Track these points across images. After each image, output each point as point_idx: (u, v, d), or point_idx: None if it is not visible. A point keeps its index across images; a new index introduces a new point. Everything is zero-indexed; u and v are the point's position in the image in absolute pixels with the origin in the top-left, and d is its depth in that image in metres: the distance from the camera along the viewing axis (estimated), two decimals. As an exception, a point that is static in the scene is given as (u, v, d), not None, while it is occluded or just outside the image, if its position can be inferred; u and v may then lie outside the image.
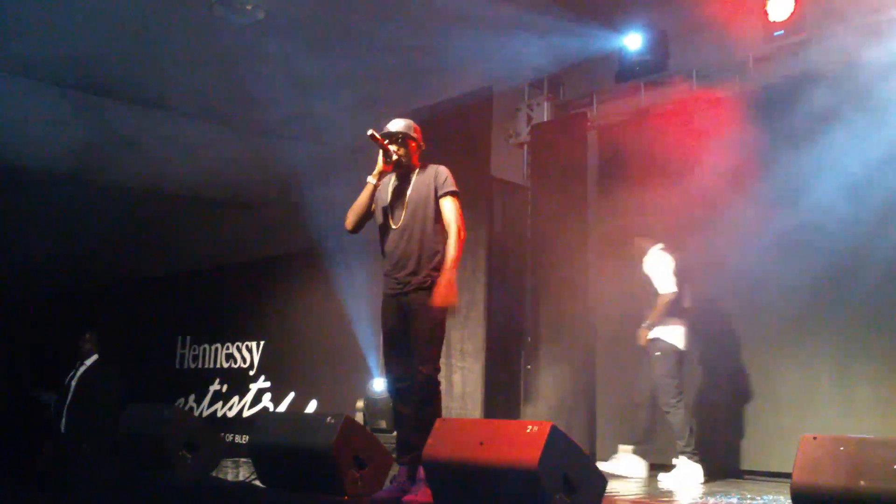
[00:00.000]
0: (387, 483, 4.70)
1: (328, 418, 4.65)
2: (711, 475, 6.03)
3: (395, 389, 4.64)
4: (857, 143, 6.11)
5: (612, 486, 5.62)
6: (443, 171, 4.76)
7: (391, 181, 4.84)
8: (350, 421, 4.64)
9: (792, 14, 6.74)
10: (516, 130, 8.81)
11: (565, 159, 8.08)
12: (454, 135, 8.04)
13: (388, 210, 4.76)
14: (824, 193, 6.03)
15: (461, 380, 7.86)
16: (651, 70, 7.75)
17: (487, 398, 7.66)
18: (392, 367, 4.66)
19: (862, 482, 2.86)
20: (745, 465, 6.46)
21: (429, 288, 4.53)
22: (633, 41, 7.78)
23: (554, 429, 3.64)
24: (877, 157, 5.97)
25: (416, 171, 4.79)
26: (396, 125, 4.81)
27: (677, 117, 7.40)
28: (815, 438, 3.09)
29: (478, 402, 7.63)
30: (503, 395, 7.98)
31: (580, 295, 7.73)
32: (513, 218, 8.49)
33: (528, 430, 3.70)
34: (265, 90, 8.14)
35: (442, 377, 7.89)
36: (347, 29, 7.40)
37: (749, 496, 5.01)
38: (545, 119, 8.62)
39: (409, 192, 4.72)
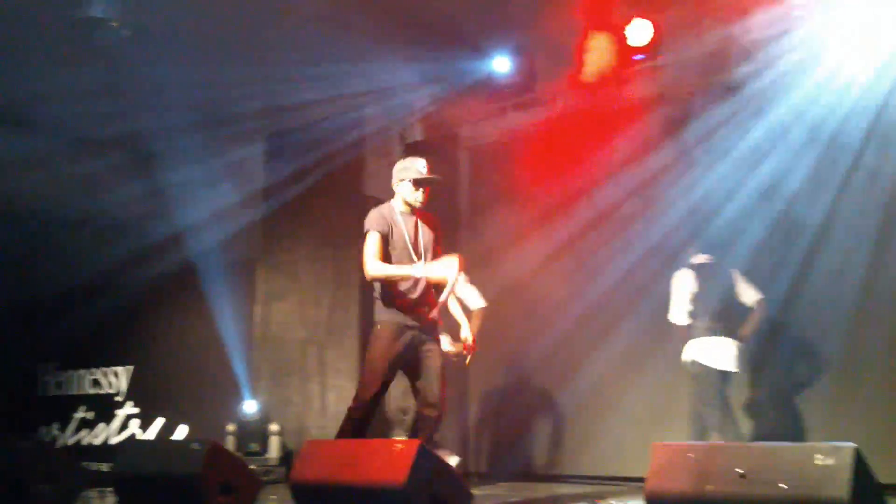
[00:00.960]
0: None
1: (194, 444, 4.56)
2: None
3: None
4: (711, 161, 6.47)
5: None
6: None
7: (405, 220, 4.82)
8: (216, 447, 4.56)
9: (651, 40, 7.03)
10: (389, 149, 8.87)
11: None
12: (328, 154, 8.07)
13: (411, 250, 4.77)
14: (675, 213, 6.35)
15: (336, 399, 7.83)
16: (519, 92, 7.95)
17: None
18: (383, 391, 4.69)
19: (708, 487, 3.01)
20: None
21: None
22: (501, 64, 7.95)
23: (421, 447, 3.68)
24: (722, 179, 6.30)
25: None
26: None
27: (544, 138, 7.63)
28: (665, 446, 3.24)
29: (352, 421, 7.59)
30: (379, 413, 7.96)
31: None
32: (386, 237, 8.51)
33: (396, 449, 3.72)
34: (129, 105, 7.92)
35: (317, 396, 7.92)
36: (220, 42, 7.28)
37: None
38: (417, 139, 8.71)
39: (422, 234, 4.81)
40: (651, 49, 7.02)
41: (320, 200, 8.27)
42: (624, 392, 6.69)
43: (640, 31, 6.93)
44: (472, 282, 7.67)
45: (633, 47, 7.03)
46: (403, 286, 4.68)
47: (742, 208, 6.19)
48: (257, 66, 7.30)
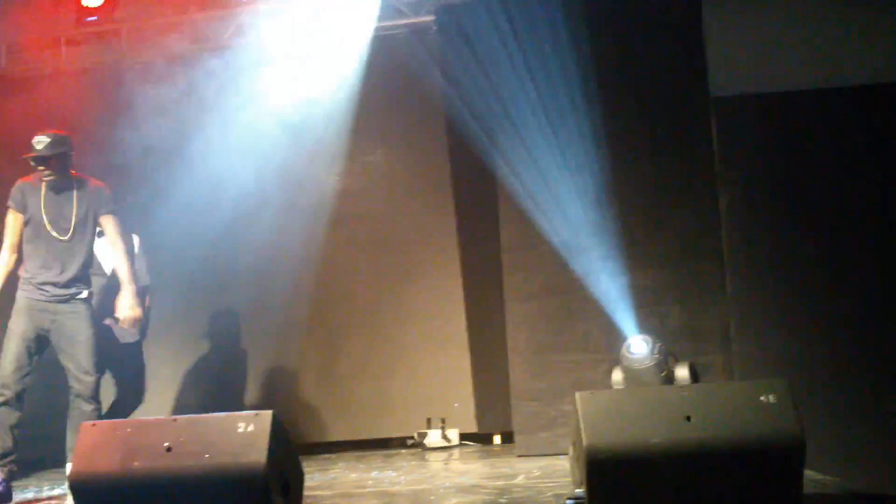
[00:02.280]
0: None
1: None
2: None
3: None
4: (167, 133, 6.48)
5: None
6: None
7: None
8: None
9: (105, 3, 6.81)
10: None
11: None
12: None
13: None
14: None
15: None
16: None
17: None
18: None
19: (136, 463, 3.07)
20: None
21: None
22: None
23: None
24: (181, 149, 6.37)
25: None
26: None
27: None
28: (94, 426, 3.22)
29: None
30: None
31: None
32: None
33: None
34: None
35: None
36: None
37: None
38: None
39: None
40: (104, 12, 6.82)
41: None
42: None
43: (91, -9, 6.69)
44: None
45: (87, 8, 6.77)
46: None
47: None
48: None
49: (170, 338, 6.40)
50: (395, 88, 6.55)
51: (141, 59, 6.85)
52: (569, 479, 3.87)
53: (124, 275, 4.95)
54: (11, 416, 4.66)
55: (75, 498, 3.14)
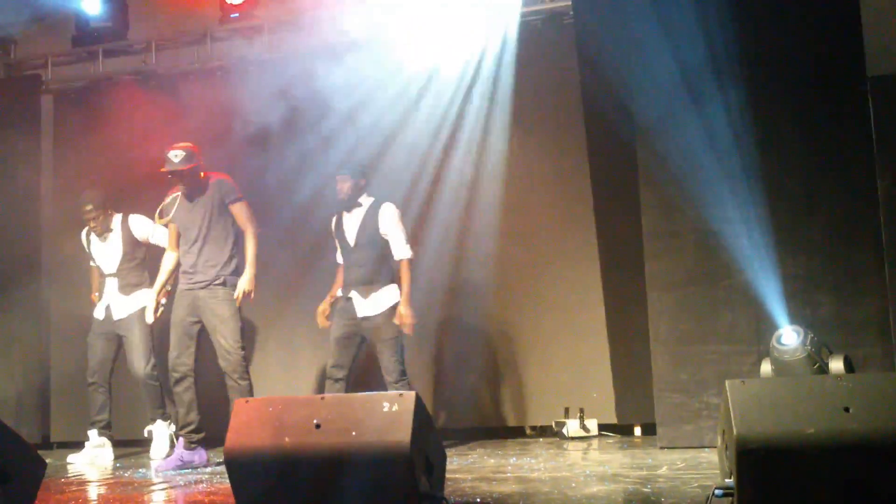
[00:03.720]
0: None
1: None
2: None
3: None
4: (304, 125, 6.66)
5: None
6: None
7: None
8: None
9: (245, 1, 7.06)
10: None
11: (16, 122, 7.50)
12: None
13: None
14: (275, 175, 6.50)
15: None
16: (110, 37, 7.54)
17: None
18: None
19: (286, 439, 3.16)
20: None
21: None
22: (91, 6, 7.46)
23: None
24: (316, 140, 6.53)
25: None
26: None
27: (135, 87, 7.33)
28: (247, 402, 3.33)
29: None
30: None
31: (30, 272, 7.27)
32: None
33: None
34: None
35: None
36: None
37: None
38: (-7, 77, 7.91)
39: None
40: (246, 10, 7.07)
41: None
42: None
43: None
44: (60, 239, 7.22)
45: (231, 5, 7.03)
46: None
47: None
48: None
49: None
50: (531, 75, 6.51)
51: (281, 52, 7.06)
52: (715, 471, 3.75)
53: (249, 256, 5.38)
54: (187, 392, 5.31)
55: (230, 471, 3.25)
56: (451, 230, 6.60)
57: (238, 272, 5.38)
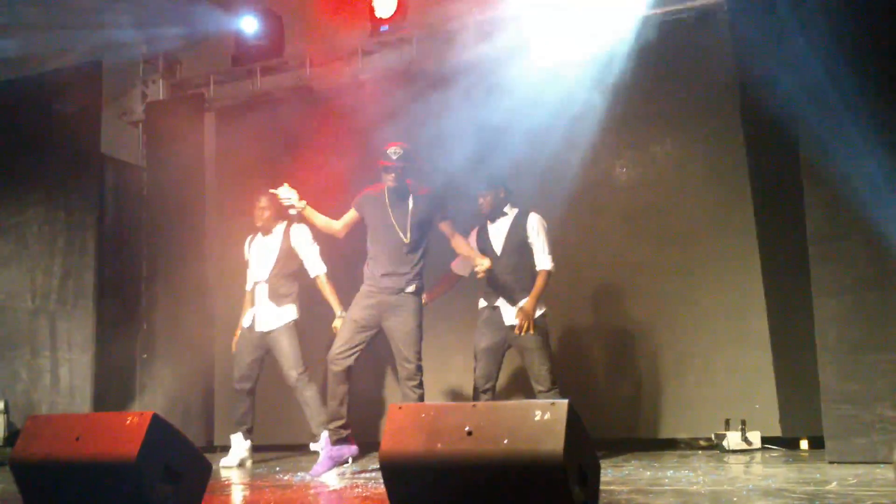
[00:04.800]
0: None
1: None
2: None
3: None
4: (460, 133, 6.68)
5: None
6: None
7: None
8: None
9: (395, 12, 7.17)
10: (130, 108, 8.47)
11: (182, 140, 7.90)
12: (61, 108, 7.55)
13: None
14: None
15: (69, 372, 7.39)
16: (267, 55, 7.84)
17: (98, 391, 7.28)
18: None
19: (438, 445, 3.16)
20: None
21: None
22: (249, 24, 7.79)
23: (155, 418, 3.57)
24: (473, 147, 6.53)
25: None
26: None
27: (293, 102, 7.57)
28: (400, 408, 3.36)
29: (87, 395, 7.22)
30: (117, 386, 7.64)
31: (198, 281, 7.63)
32: (127, 199, 8.13)
33: (128, 422, 3.59)
34: None
35: (48, 371, 7.42)
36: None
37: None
38: (161, 97, 8.36)
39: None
40: (395, 21, 7.18)
41: (51, 160, 7.69)
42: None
43: (385, 4, 7.05)
44: (222, 250, 7.54)
45: (380, 18, 7.16)
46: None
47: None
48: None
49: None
50: (684, 74, 6.32)
51: (431, 63, 7.14)
52: (891, 488, 3.50)
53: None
54: (340, 387, 5.22)
55: (384, 475, 3.28)
56: (604, 235, 6.48)
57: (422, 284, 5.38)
